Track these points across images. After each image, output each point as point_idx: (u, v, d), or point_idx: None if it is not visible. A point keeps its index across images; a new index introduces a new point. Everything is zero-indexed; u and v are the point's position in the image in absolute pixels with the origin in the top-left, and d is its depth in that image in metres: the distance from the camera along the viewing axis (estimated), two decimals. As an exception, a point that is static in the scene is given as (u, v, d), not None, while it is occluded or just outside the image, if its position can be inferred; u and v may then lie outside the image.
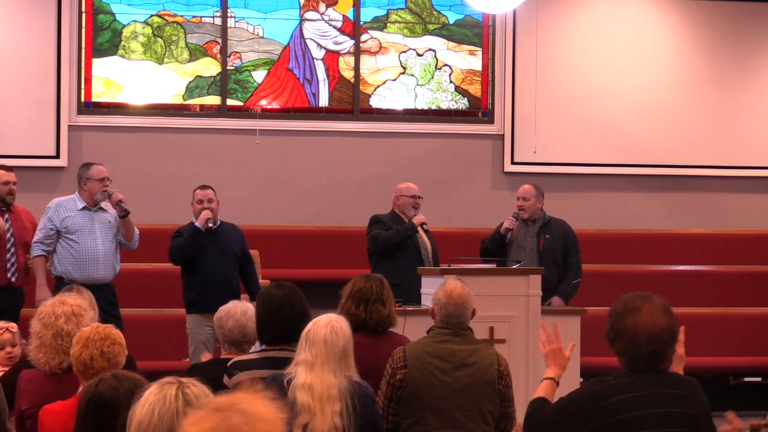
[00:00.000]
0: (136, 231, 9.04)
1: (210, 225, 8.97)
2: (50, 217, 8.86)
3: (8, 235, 8.98)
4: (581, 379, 8.84)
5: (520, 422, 4.92)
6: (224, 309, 5.97)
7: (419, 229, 9.51)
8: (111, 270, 8.87)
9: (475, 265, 8.99)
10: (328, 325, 4.92)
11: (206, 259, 8.92)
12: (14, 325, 6.68)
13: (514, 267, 8.87)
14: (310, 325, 5.01)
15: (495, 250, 9.58)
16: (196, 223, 8.96)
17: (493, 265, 9.08)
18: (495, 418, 5.72)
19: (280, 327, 5.44)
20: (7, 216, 9.05)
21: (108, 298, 8.56)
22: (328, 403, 4.81)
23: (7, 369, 6.20)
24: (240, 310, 5.92)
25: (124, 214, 8.85)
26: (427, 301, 8.62)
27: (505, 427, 5.75)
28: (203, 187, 9.18)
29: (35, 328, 5.36)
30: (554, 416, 4.21)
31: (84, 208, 8.88)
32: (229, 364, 5.49)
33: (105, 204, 8.93)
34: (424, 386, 5.66)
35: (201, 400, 3.38)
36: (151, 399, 3.09)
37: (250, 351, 5.88)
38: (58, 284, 8.45)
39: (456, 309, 5.78)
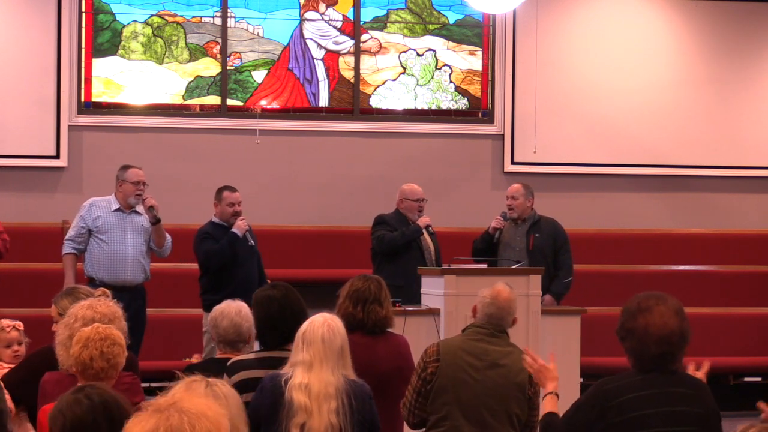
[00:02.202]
0: (168, 238, 9.02)
1: (251, 242, 9.11)
2: (83, 215, 8.92)
3: None
4: (581, 379, 8.85)
5: None
6: (218, 309, 5.96)
7: (424, 231, 9.50)
8: (140, 273, 8.86)
9: (475, 266, 8.99)
10: (324, 324, 4.93)
11: (241, 260, 9.04)
12: (20, 323, 6.68)
13: (513, 267, 8.87)
14: (305, 325, 5.01)
15: (484, 249, 9.60)
16: (236, 231, 9.04)
17: (485, 265, 9.08)
18: (522, 423, 5.72)
19: (282, 329, 5.44)
20: None
21: (137, 304, 8.49)
22: (325, 401, 4.82)
23: (12, 366, 6.21)
24: (234, 309, 5.91)
25: (154, 221, 8.85)
26: (427, 302, 8.62)
27: None
28: (232, 190, 9.27)
29: (60, 324, 5.38)
30: (567, 420, 4.24)
31: (118, 210, 8.90)
32: (228, 363, 5.49)
33: (140, 208, 8.94)
34: (454, 381, 5.68)
35: (229, 399, 3.41)
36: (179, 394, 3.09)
37: (248, 351, 5.88)
38: (90, 285, 8.41)
39: (499, 311, 5.80)
